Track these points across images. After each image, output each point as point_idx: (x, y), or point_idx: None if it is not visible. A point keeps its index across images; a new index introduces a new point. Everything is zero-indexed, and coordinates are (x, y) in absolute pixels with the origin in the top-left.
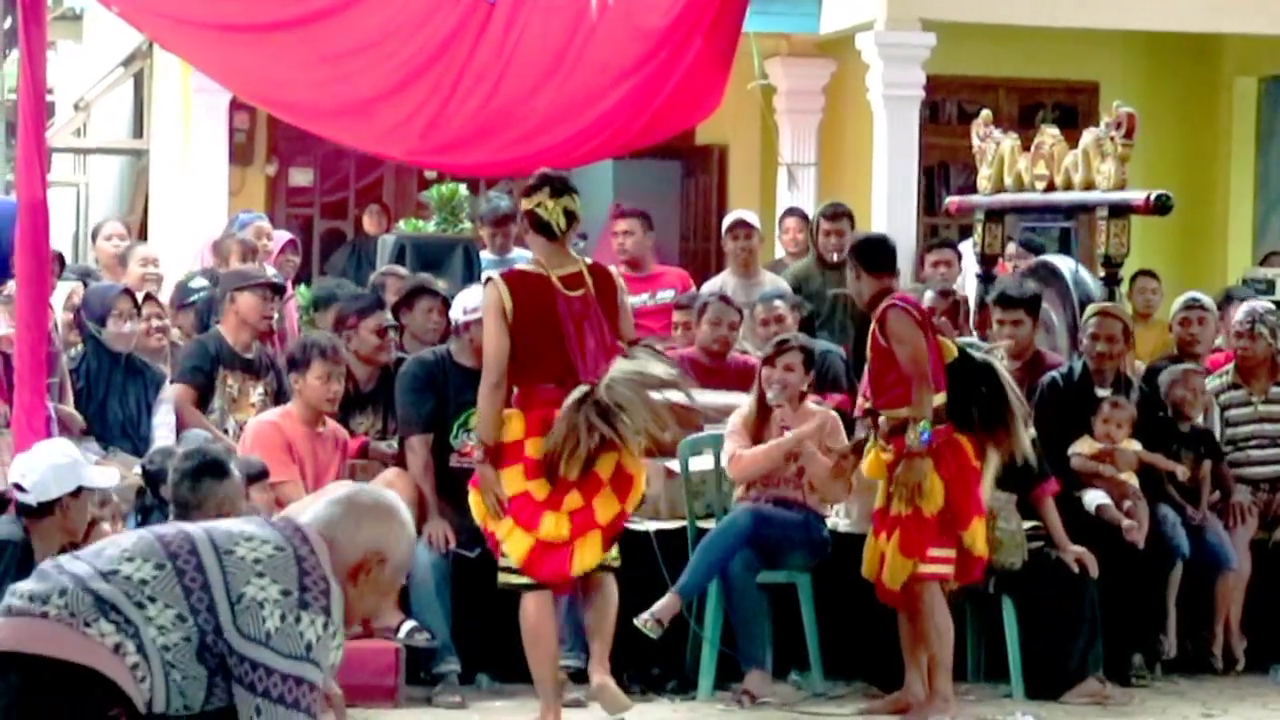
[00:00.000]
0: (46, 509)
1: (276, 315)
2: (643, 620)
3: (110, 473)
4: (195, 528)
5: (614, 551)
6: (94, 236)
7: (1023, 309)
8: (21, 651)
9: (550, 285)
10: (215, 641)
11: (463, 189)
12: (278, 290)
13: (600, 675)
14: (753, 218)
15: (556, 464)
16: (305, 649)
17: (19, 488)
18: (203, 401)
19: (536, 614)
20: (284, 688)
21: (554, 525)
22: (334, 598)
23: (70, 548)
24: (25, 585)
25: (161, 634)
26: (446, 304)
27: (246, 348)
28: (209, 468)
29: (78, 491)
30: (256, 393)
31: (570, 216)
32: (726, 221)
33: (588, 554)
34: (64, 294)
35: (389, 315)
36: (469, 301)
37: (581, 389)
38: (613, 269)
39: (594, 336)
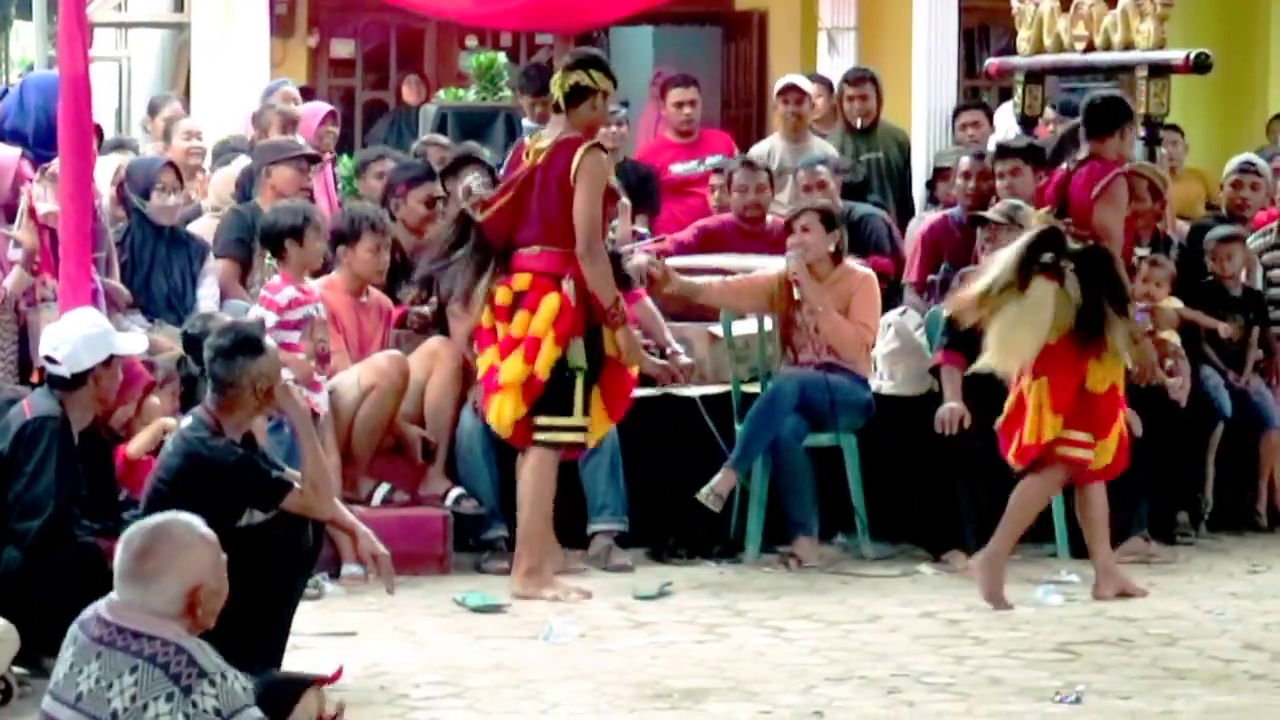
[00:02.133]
0: (80, 380)
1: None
2: (703, 495)
3: (139, 339)
4: (69, 715)
5: (551, 421)
6: (152, 111)
7: (1019, 158)
8: None
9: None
10: None
11: (501, 58)
12: (314, 161)
13: (515, 554)
14: (804, 82)
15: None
16: (217, 716)
17: (51, 360)
18: (243, 275)
19: (524, 470)
20: None
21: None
22: (197, 654)
23: (105, 417)
24: None
25: None
26: (493, 172)
27: None
28: (242, 345)
29: (109, 360)
30: None
31: (574, 91)
32: (778, 85)
33: (496, 414)
34: (111, 168)
35: (439, 186)
36: None
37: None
38: (594, 153)
39: (540, 202)
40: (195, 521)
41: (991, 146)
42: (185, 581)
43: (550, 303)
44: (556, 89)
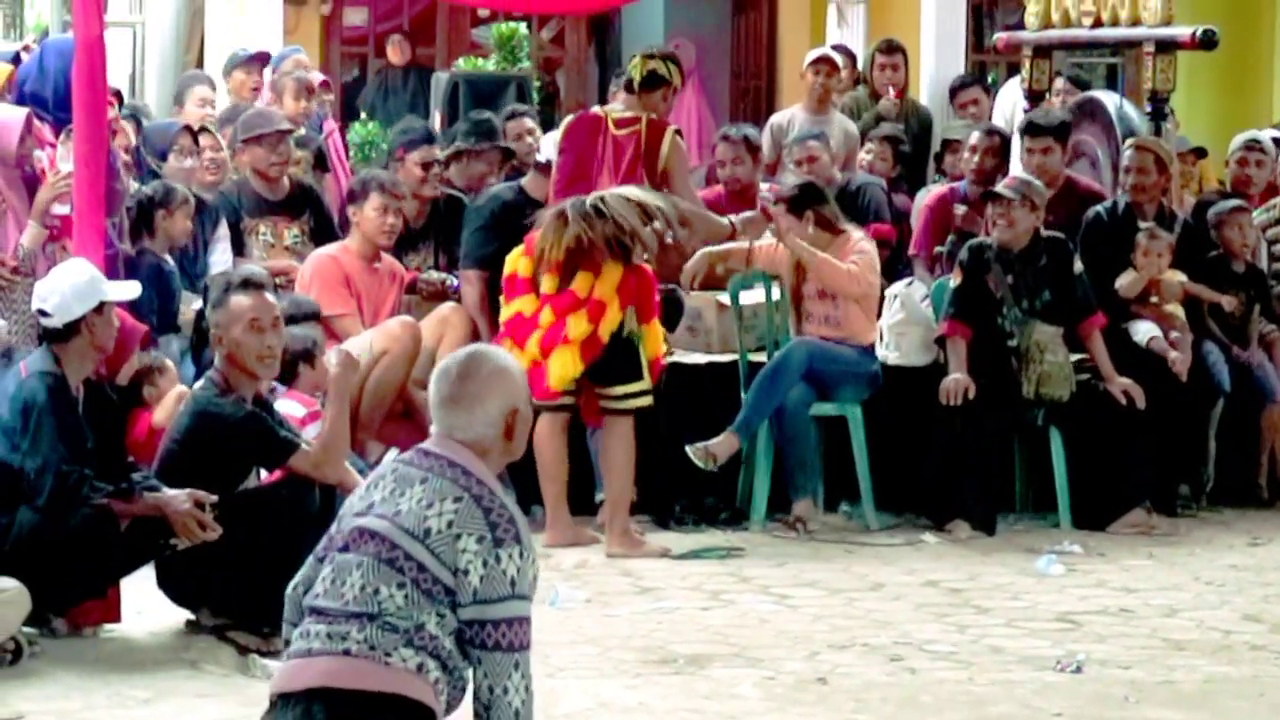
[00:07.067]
0: (72, 329)
1: (305, 154)
2: (694, 449)
3: (130, 286)
4: (384, 526)
5: (628, 389)
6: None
7: (1051, 136)
8: (331, 687)
9: (601, 123)
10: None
11: (522, 28)
12: (289, 134)
13: (608, 517)
14: (837, 55)
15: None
16: (510, 586)
17: (43, 313)
18: (239, 252)
19: (541, 435)
20: (498, 634)
21: (534, 342)
22: (519, 523)
23: (109, 372)
24: (318, 626)
25: (445, 633)
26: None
27: (272, 189)
28: (215, 289)
29: (100, 307)
30: (291, 234)
31: (651, 78)
32: (810, 56)
33: (561, 367)
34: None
35: (436, 150)
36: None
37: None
38: (679, 139)
39: (624, 173)
40: (503, 351)
41: (999, 122)
42: (505, 403)
43: (616, 268)
44: (634, 70)
